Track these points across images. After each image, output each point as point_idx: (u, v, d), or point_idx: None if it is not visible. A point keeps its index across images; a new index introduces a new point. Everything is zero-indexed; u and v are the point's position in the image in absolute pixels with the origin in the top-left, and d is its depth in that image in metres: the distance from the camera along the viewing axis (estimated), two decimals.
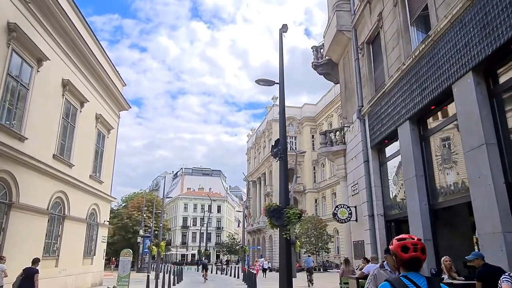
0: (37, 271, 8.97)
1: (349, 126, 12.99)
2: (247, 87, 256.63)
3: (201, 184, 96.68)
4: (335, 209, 11.98)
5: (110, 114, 21.26)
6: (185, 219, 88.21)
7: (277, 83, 10.20)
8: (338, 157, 13.62)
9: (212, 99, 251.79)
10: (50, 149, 14.34)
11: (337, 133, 13.74)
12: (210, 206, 65.70)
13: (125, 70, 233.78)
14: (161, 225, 28.23)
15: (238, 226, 72.66)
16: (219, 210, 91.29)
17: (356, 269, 10.47)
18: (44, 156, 13.69)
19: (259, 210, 61.96)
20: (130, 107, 23.68)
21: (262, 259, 46.98)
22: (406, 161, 8.95)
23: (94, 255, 18.80)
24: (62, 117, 15.35)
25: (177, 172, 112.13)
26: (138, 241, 39.70)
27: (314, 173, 53.78)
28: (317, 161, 52.57)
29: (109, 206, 21.80)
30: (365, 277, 7.82)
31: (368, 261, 10.26)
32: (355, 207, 12.14)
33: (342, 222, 12.01)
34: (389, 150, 10.86)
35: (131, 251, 15.42)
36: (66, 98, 15.61)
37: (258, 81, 10.38)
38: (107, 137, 20.84)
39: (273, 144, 9.87)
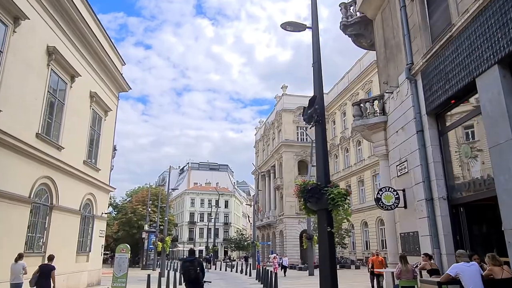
0: (53, 268, 9.03)
1: (391, 92, 10.57)
2: (252, 83, 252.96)
3: (208, 179, 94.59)
4: (378, 193, 9.59)
5: (107, 94, 19.04)
6: (192, 215, 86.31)
7: (309, 28, 7.87)
8: (376, 132, 11.22)
9: (217, 95, 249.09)
10: (31, 127, 12.13)
11: (375, 102, 11.32)
12: (217, 201, 63.41)
13: (131, 68, 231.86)
14: (166, 218, 26.03)
15: (248, 221, 70.59)
16: (226, 205, 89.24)
17: (415, 267, 8.11)
18: (24, 134, 11.48)
19: (268, 204, 59.73)
20: (131, 88, 21.46)
21: (274, 254, 44.80)
22: (493, 121, 6.53)
23: (90, 251, 16.63)
24: (48, 91, 13.12)
25: (184, 167, 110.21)
26: (143, 236, 37.71)
27: None
28: (330, 153, 50.12)
29: (107, 196, 19.63)
30: (451, 281, 5.48)
31: (430, 258, 7.92)
32: (403, 190, 9.76)
33: (387, 209, 9.63)
34: (454, 114, 8.46)
35: (128, 246, 13.25)
36: (52, 69, 13.38)
37: (284, 26, 8.02)
38: (104, 120, 18.63)
39: (306, 106, 7.53)
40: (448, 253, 7.99)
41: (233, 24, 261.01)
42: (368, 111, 11.38)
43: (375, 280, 13.67)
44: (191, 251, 8.44)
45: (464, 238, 7.88)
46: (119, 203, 51.33)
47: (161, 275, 15.13)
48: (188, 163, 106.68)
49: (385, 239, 37.30)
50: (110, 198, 49.39)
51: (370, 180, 37.77)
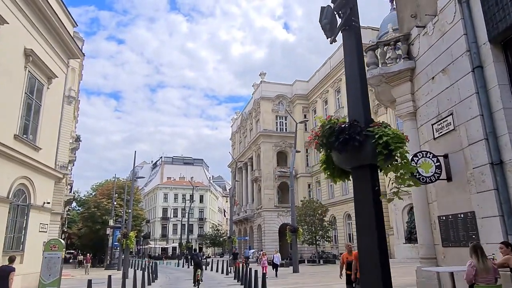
0: (13, 269, 8.42)
1: (424, 26, 7.80)
2: (227, 80, 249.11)
3: (182, 173, 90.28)
4: (411, 161, 6.79)
5: (52, 57, 15.43)
6: (165, 210, 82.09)
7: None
8: (399, 84, 8.47)
9: (192, 92, 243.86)
10: None
11: (399, 44, 8.55)
12: (192, 196, 59.77)
13: (103, 63, 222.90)
14: (130, 211, 22.57)
15: (224, 216, 67.55)
16: (201, 200, 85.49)
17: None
18: None
19: (245, 198, 56.79)
20: (84, 55, 17.95)
21: (252, 250, 42.00)
22: None
23: (23, 250, 13.10)
24: None
25: (157, 161, 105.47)
26: (107, 232, 33.91)
27: (307, 156, 49.01)
28: (310, 142, 47.79)
29: (52, 183, 16.00)
30: None
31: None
32: (445, 156, 7.02)
33: (425, 183, 6.85)
34: None
35: (62, 242, 9.98)
36: None
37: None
38: (48, 88, 15.02)
39: (325, 7, 4.54)
40: None
41: (207, 21, 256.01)
42: (388, 56, 8.58)
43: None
44: (196, 249, 16.67)
45: None
46: (82, 198, 46.97)
47: (125, 275, 11.91)
48: (161, 157, 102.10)
49: None
50: (74, 193, 45.10)
51: None
